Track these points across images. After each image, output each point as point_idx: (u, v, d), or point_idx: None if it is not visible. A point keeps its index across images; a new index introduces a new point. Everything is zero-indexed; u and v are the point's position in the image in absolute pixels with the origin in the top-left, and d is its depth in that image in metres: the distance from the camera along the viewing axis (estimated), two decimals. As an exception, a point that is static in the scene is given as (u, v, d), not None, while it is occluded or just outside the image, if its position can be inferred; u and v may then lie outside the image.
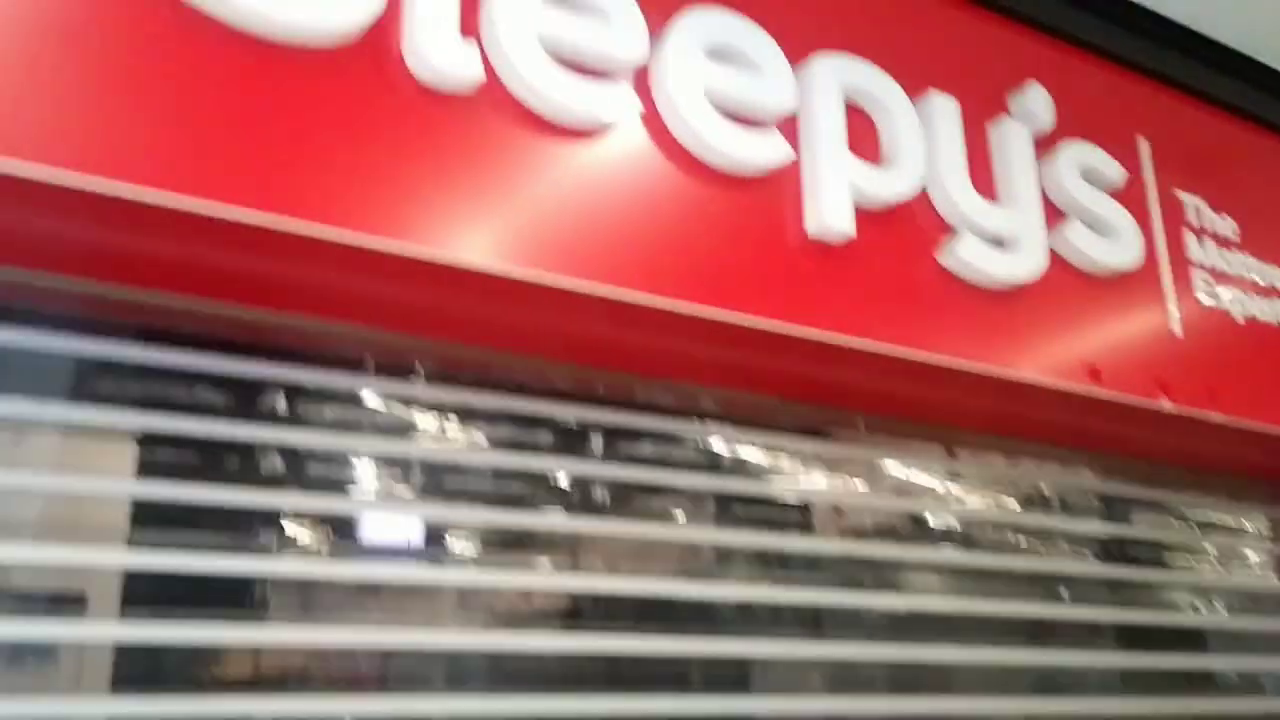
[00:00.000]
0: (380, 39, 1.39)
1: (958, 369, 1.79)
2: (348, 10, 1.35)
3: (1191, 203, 2.23)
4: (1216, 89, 2.36)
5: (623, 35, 1.56)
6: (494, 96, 1.46)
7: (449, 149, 1.41)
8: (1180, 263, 2.16)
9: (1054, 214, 1.99)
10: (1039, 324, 1.91)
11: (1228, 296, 2.21)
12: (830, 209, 1.69)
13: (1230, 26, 2.35)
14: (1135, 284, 2.06)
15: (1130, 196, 2.11)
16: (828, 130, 1.73)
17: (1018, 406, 1.96)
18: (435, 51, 1.39)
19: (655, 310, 1.53)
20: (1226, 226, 2.28)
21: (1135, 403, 1.97)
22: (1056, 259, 1.96)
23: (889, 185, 1.78)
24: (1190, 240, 2.20)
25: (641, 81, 1.59)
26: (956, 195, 1.84)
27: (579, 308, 1.51)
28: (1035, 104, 2.01)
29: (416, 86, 1.41)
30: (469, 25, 1.45)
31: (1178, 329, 2.10)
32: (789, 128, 1.71)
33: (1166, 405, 2.00)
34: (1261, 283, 2.29)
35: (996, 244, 1.87)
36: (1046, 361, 1.90)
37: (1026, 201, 1.94)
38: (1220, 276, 2.22)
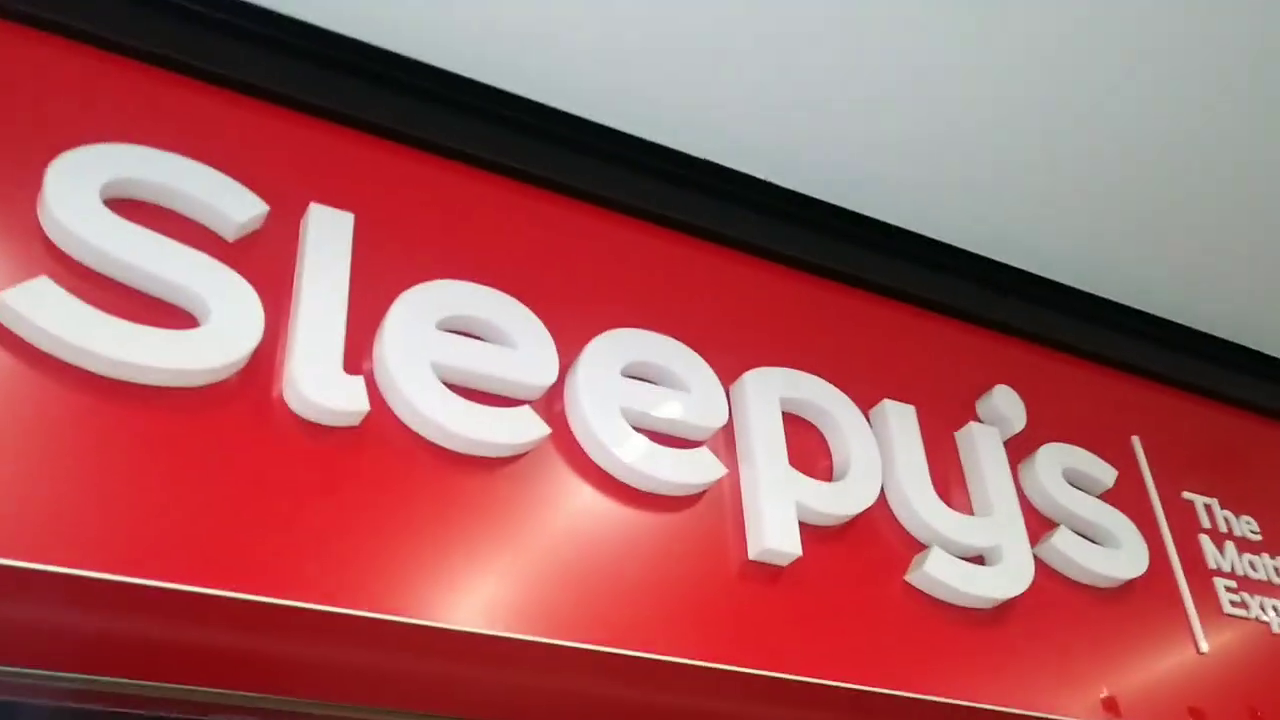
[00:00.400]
0: (258, 375, 1.34)
1: (938, 703, 1.58)
2: (221, 350, 1.31)
3: (1202, 503, 2.05)
4: (1215, 383, 2.23)
5: (530, 359, 1.51)
6: (384, 428, 1.38)
7: (334, 486, 1.32)
8: (1198, 570, 1.96)
9: (1040, 522, 1.83)
10: (1034, 647, 1.70)
11: (1261, 605, 1.98)
12: (772, 529, 1.55)
13: (1223, 319, 2.26)
14: (1146, 595, 1.86)
15: (1128, 500, 1.95)
16: (765, 447, 1.62)
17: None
18: (316, 387, 1.33)
19: (567, 657, 1.38)
20: (1247, 527, 2.09)
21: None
22: (1047, 571, 1.78)
23: (841, 501, 1.64)
24: (1206, 544, 2.00)
25: (555, 406, 1.52)
26: (920, 508, 1.70)
27: (472, 656, 1.36)
28: (1004, 407, 1.90)
29: (298, 422, 1.34)
30: (356, 356, 1.40)
31: (1204, 645, 1.86)
32: (726, 449, 1.62)
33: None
34: (1297, 588, 2.06)
35: (972, 558, 1.71)
36: (1049, 692, 1.67)
37: (1003, 510, 1.78)
38: (1248, 584, 2.00)
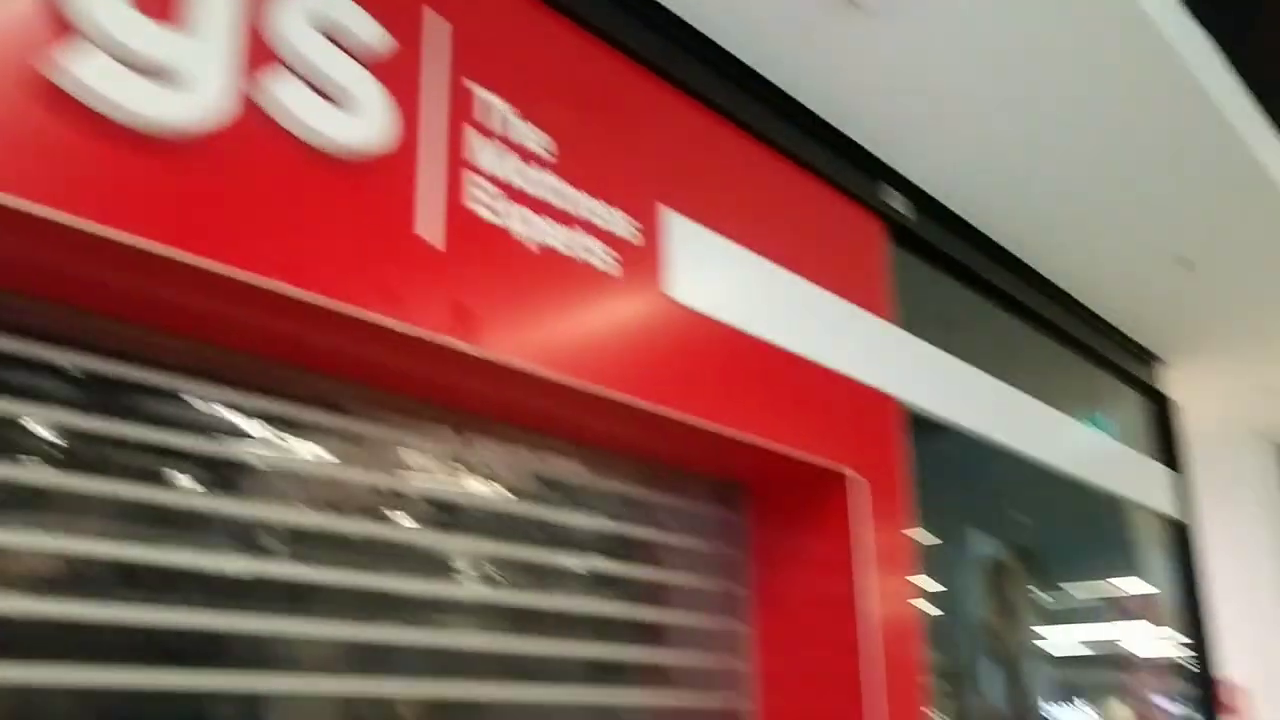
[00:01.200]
0: None
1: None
2: None
3: (487, 99, 1.92)
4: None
5: None
6: None
7: None
8: (456, 164, 1.83)
9: (268, 65, 1.59)
10: (219, 190, 1.50)
11: (517, 215, 1.91)
12: None
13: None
14: (380, 171, 1.71)
15: (398, 74, 1.76)
16: None
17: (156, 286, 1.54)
18: None
19: None
20: (539, 142, 1.99)
21: (341, 309, 1.60)
22: (260, 117, 1.57)
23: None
24: (477, 143, 1.88)
25: None
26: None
27: None
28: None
29: None
30: None
31: (434, 239, 1.76)
32: None
33: (385, 321, 1.65)
34: (571, 211, 2.02)
35: (148, 72, 1.44)
36: (225, 241, 1.49)
37: (218, 36, 1.52)
38: (516, 194, 1.92)
